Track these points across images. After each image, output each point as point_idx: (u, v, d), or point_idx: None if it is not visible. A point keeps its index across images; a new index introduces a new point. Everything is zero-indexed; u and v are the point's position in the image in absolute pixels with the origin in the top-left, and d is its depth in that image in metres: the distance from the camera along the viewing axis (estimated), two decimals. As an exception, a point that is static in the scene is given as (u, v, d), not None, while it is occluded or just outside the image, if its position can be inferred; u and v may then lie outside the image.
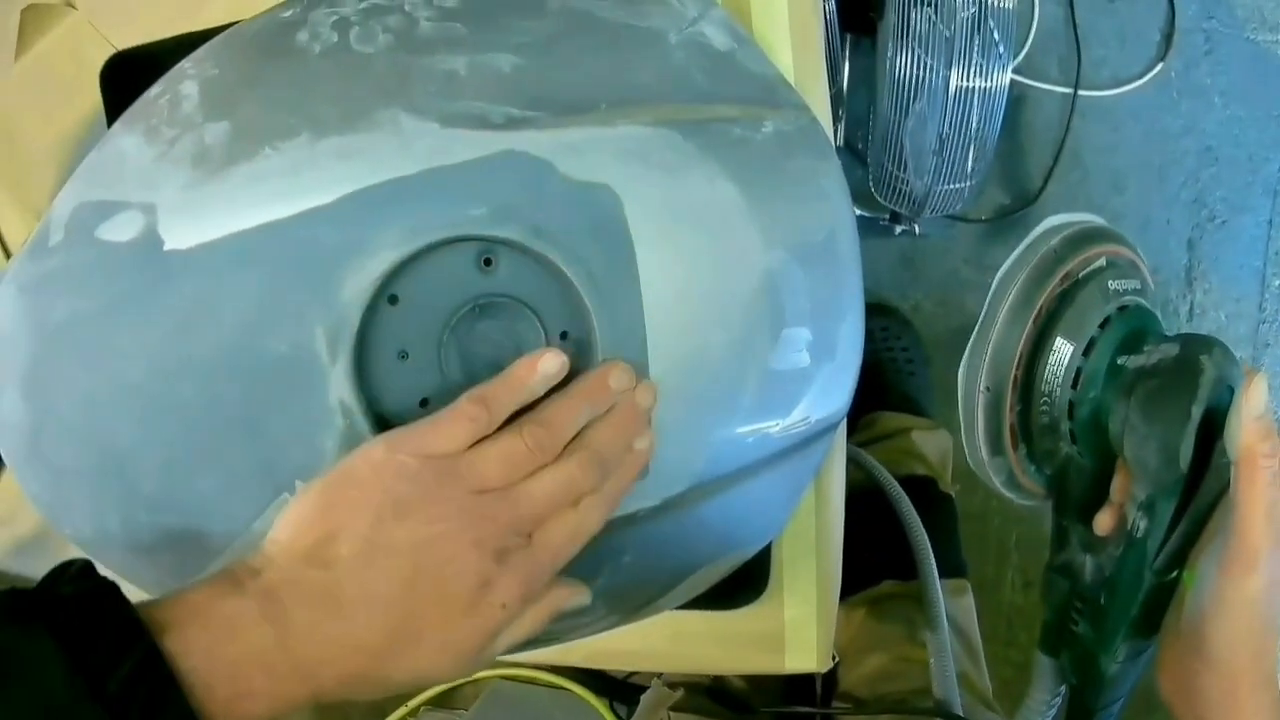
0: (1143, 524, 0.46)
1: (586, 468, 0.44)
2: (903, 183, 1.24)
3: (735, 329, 0.51)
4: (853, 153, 1.45)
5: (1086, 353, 0.50)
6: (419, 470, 0.41)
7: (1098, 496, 0.52)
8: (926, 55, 1.04)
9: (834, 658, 0.74)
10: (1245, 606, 0.43)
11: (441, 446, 0.42)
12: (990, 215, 1.51)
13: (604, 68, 0.51)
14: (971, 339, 0.54)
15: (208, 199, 0.45)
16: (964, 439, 0.56)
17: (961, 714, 0.76)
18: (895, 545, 0.86)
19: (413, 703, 1.22)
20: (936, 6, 1.07)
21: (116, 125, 0.50)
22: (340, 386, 0.45)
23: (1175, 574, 0.47)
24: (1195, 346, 0.46)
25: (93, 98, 0.67)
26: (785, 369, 0.52)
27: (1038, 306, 0.51)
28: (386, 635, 0.40)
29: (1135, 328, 0.51)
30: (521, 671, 1.15)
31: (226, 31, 0.51)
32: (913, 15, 1.09)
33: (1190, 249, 1.51)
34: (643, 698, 0.98)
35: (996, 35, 1.00)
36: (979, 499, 1.52)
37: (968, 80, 1.06)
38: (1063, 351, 0.51)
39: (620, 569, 0.54)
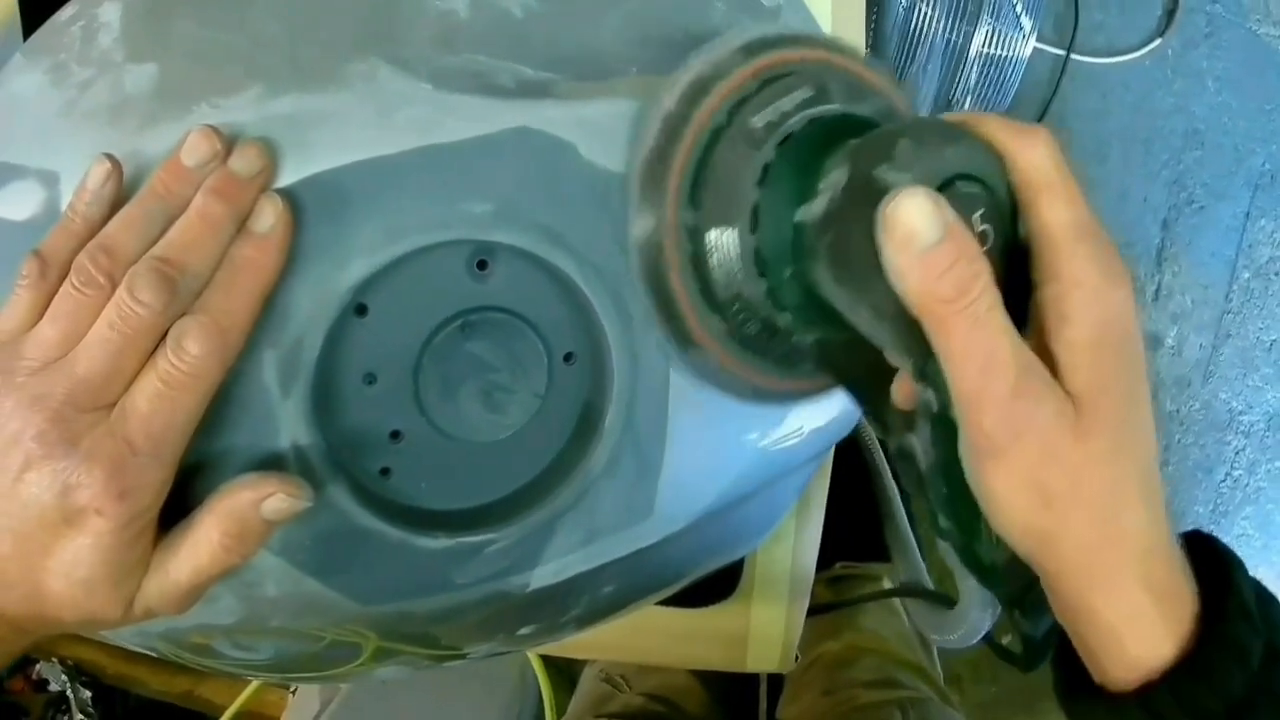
0: (930, 395, 0.33)
1: (142, 285, 0.31)
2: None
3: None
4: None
5: (755, 228, 0.36)
6: None
7: (877, 365, 0.36)
8: (939, 10, 0.96)
9: (796, 656, 0.74)
10: (1014, 510, 0.31)
11: None
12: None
13: (636, 20, 0.41)
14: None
15: (127, 171, 0.35)
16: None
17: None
18: (846, 527, 0.81)
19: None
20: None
21: (16, 58, 0.39)
22: (293, 426, 0.35)
23: None
24: (866, 158, 0.31)
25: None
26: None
27: (668, 192, 0.37)
28: None
29: (807, 161, 0.35)
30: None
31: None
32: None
33: (1165, 229, 1.50)
34: (579, 688, 0.95)
35: (1018, 5, 0.92)
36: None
37: (979, 45, 0.98)
38: (724, 242, 0.37)
39: (600, 598, 0.49)
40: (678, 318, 0.39)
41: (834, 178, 0.33)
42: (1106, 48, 1.44)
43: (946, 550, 0.36)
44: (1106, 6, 1.43)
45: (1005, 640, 0.37)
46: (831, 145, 0.34)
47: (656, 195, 0.37)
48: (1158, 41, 1.43)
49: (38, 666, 1.40)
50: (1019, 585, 0.34)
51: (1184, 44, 1.44)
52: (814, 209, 0.34)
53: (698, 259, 0.37)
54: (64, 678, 1.39)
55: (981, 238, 0.30)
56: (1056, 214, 0.30)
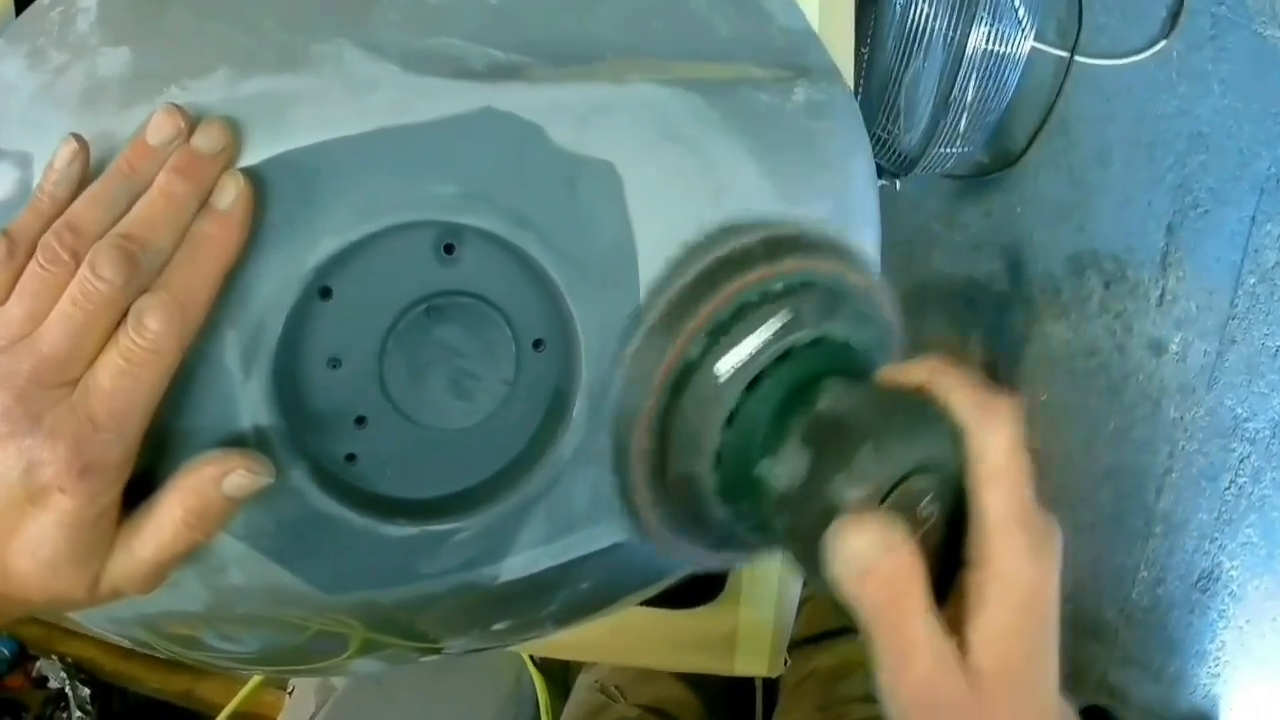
0: None
1: (104, 262, 0.31)
2: (893, 138, 1.17)
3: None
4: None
5: (717, 467, 0.38)
6: None
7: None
8: (937, 7, 0.95)
9: (785, 660, 0.74)
10: None
11: None
12: (968, 173, 1.46)
13: (613, 6, 0.41)
14: None
15: (97, 153, 0.35)
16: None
17: None
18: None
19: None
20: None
21: (-2, 42, 0.39)
22: (254, 408, 0.35)
23: None
24: (827, 464, 0.33)
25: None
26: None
27: (643, 433, 0.39)
28: None
29: (772, 413, 0.36)
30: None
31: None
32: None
33: (1169, 233, 1.48)
34: (572, 698, 0.94)
35: (1017, 1, 0.92)
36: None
37: (979, 42, 0.98)
38: (694, 475, 0.38)
39: (576, 594, 0.48)
40: (634, 505, 0.41)
41: (794, 465, 0.35)
42: (1110, 50, 1.43)
43: None
44: (1110, 9, 1.41)
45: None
46: (798, 398, 0.36)
47: (633, 395, 0.39)
48: (1162, 44, 1.41)
49: (37, 664, 1.41)
50: None
51: (1188, 47, 1.42)
52: (775, 477, 0.35)
53: (662, 472, 0.39)
54: (63, 675, 1.40)
55: (924, 521, 0.33)
56: (996, 503, 0.33)
